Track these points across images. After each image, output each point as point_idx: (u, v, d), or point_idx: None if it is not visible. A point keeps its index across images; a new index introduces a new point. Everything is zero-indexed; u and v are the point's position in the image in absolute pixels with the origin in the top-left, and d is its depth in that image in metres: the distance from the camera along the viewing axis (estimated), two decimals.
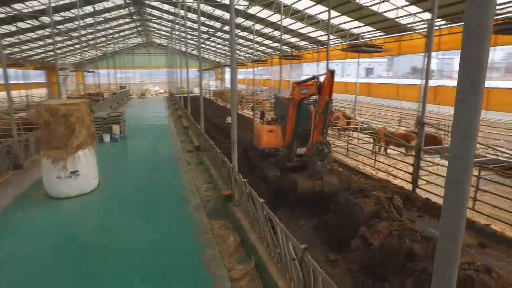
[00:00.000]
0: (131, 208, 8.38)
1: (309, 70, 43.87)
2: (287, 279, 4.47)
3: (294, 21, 19.97)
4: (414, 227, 5.81)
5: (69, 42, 32.62)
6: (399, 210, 6.73)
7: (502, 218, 7.21)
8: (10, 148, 11.07)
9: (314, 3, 16.08)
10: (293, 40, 25.52)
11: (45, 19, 20.49)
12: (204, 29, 28.37)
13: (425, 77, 8.46)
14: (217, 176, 9.90)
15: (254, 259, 5.65)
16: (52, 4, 16.27)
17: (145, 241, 6.62)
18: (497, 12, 11.02)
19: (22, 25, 21.64)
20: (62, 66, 36.53)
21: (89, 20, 25.42)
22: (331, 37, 19.77)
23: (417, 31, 14.54)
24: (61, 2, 19.53)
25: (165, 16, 29.76)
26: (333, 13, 15.17)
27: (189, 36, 31.19)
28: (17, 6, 18.01)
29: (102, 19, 26.17)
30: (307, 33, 22.31)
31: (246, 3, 19.41)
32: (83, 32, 27.99)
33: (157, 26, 37.43)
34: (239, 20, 22.86)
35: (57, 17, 20.73)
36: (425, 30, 13.93)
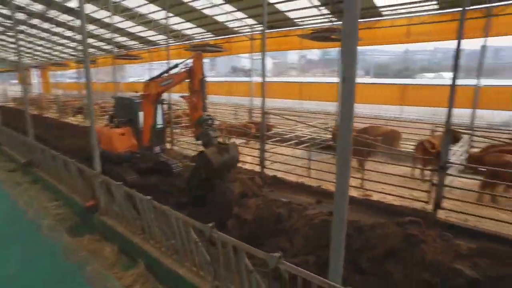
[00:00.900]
0: None
1: (133, 71, 42.15)
2: (188, 265, 4.73)
3: (124, 19, 19.02)
4: (275, 198, 7.08)
5: None
6: (260, 187, 7.96)
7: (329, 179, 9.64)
8: None
9: (147, 2, 15.90)
10: (122, 39, 24.16)
11: None
12: None
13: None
14: (67, 190, 8.70)
15: (142, 261, 5.56)
16: None
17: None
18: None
19: None
20: None
21: None
22: (164, 37, 19.99)
23: (244, 34, 16.78)
24: None
25: None
26: (163, 14, 15.43)
27: None
28: None
29: None
30: (137, 32, 21.67)
31: None
32: None
33: None
34: (56, 13, 19.80)
35: None
36: (250, 33, 16.31)
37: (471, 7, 10.43)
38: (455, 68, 6.68)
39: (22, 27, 25.50)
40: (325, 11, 12.95)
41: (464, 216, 7.52)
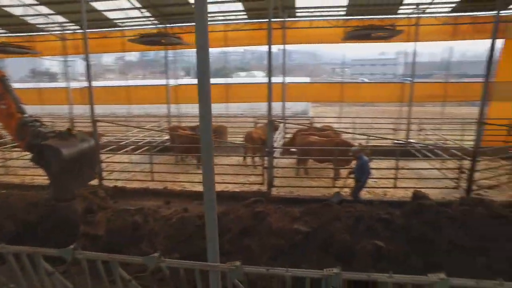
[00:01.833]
0: None
1: None
2: None
3: None
4: (125, 207, 6.75)
5: None
6: (105, 200, 7.35)
7: (172, 179, 9.78)
8: None
9: None
10: None
11: None
12: None
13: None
14: None
15: None
16: None
17: None
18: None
19: None
20: None
21: None
22: None
23: (52, 33, 14.37)
24: None
25: None
26: None
27: None
28: None
29: None
30: None
31: None
32: None
33: None
34: None
35: None
36: (61, 32, 14.13)
37: (273, 20, 12.87)
38: (269, 69, 8.15)
39: None
40: (147, 13, 12.81)
41: (289, 189, 9.32)
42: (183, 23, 13.68)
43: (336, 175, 9.59)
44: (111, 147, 11.50)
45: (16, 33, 14.91)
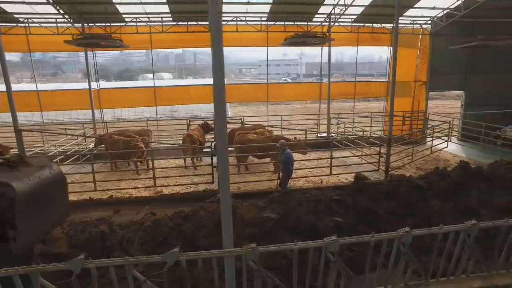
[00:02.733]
0: None
1: None
2: None
3: None
4: (83, 220, 6.42)
5: None
6: None
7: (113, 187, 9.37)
8: None
9: None
10: None
11: None
12: None
13: None
14: None
15: None
16: None
17: None
18: None
19: None
20: None
21: None
22: None
23: None
24: None
25: None
26: None
27: None
28: None
29: None
30: None
31: None
32: None
33: None
34: None
35: None
36: None
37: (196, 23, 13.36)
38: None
39: None
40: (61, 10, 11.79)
41: (237, 185, 9.88)
42: (106, 23, 12.95)
43: (276, 168, 10.50)
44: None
45: None
